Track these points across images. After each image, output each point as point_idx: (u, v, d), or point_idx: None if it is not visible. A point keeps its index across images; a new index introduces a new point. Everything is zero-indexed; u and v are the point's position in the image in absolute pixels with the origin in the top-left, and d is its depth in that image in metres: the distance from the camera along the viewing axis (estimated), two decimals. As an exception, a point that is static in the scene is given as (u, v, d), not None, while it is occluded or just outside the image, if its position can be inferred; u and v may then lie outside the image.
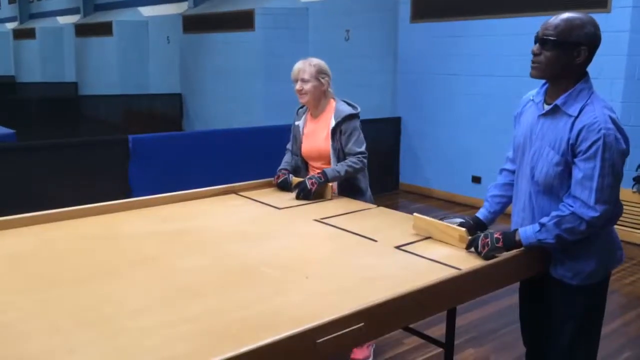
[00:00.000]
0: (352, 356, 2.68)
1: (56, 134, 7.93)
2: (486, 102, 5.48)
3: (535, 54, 1.78)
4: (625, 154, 1.70)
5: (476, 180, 5.59)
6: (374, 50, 6.99)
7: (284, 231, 2.17)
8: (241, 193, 2.69)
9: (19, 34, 16.58)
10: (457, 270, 1.72)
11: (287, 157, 2.91)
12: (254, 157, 4.85)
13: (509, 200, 2.01)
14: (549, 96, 1.82)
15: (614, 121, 1.69)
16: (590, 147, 1.67)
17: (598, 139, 1.65)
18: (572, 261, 1.79)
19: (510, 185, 2.00)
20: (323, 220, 2.25)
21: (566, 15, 1.76)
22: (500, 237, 1.79)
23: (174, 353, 1.24)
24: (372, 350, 2.75)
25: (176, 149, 4.70)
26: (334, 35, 7.54)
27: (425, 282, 1.57)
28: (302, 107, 2.83)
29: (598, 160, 1.66)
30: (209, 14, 9.22)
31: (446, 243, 1.95)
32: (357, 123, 2.68)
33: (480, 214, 2.06)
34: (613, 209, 1.69)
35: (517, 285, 2.01)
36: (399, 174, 6.31)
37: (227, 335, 1.33)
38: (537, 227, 1.75)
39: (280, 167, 2.85)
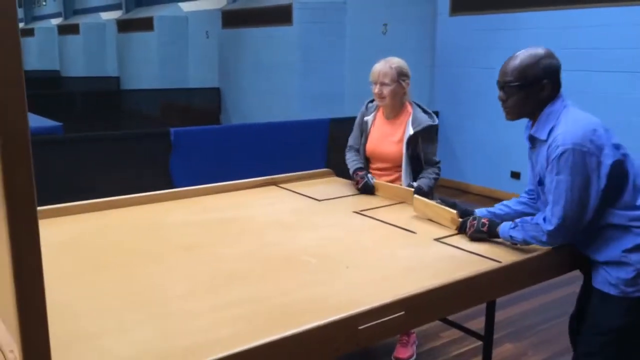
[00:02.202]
0: (396, 354, 2.68)
1: (99, 126, 8.16)
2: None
3: (502, 100, 1.83)
4: (597, 167, 1.65)
5: (515, 175, 5.52)
6: (411, 44, 6.94)
7: (324, 222, 2.20)
8: (281, 185, 2.73)
9: (63, 30, 17.06)
10: (496, 263, 1.72)
11: (354, 155, 2.74)
12: (291, 150, 4.91)
13: (515, 216, 2.00)
14: (531, 130, 1.86)
15: (584, 136, 1.66)
16: (552, 162, 1.69)
17: (557, 156, 1.67)
18: (608, 267, 1.74)
19: (524, 204, 2.03)
20: (362, 212, 2.27)
21: (518, 57, 1.80)
22: (487, 222, 1.90)
23: (220, 335, 1.29)
24: (415, 349, 2.74)
25: (216, 141, 4.79)
26: (372, 29, 7.52)
27: (464, 274, 1.58)
28: (372, 101, 2.71)
29: (556, 175, 1.68)
30: (248, 9, 9.31)
31: (441, 224, 2.08)
32: (435, 134, 2.63)
33: (480, 210, 2.08)
34: (570, 225, 1.68)
35: (556, 280, 2.00)
36: (435, 169, 6.26)
37: (270, 319, 1.37)
38: (513, 224, 1.83)
39: (355, 166, 2.67)
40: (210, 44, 10.64)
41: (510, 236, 1.82)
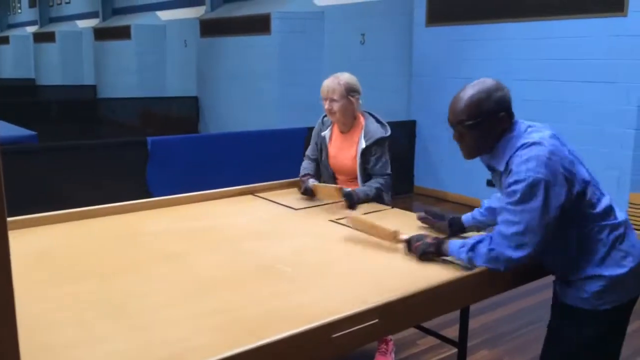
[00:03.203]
0: None
1: (76, 135, 8.07)
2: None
3: (458, 141, 1.76)
4: (553, 193, 1.60)
5: (491, 184, 5.59)
6: (389, 54, 7.02)
7: (300, 231, 2.21)
8: (258, 194, 2.74)
9: (39, 38, 16.86)
10: (469, 270, 1.75)
11: (307, 163, 2.82)
12: (268, 159, 4.92)
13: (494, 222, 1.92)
14: (488, 159, 1.79)
15: (538, 164, 1.60)
16: (509, 193, 1.64)
17: (514, 188, 1.62)
18: (581, 282, 1.71)
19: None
20: (338, 221, 2.29)
21: (467, 93, 1.72)
22: (433, 242, 1.82)
23: (197, 344, 1.29)
24: (393, 356, 2.76)
25: (193, 150, 4.78)
26: (350, 39, 7.59)
27: (437, 281, 1.60)
28: (327, 116, 2.77)
29: (513, 205, 1.63)
30: (226, 18, 9.33)
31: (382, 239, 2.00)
32: (386, 145, 2.66)
33: (466, 216, 2.09)
34: (534, 253, 1.63)
35: (531, 287, 2.03)
36: (413, 177, 6.33)
37: (245, 329, 1.37)
38: (461, 244, 1.75)
39: (302, 173, 2.76)
40: (188, 53, 10.61)
41: (460, 258, 1.75)
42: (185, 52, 10.88)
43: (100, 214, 2.32)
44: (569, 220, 1.67)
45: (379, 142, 2.62)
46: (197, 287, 1.63)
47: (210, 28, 9.66)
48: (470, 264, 1.72)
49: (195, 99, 10.16)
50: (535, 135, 1.69)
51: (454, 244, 1.79)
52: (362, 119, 2.70)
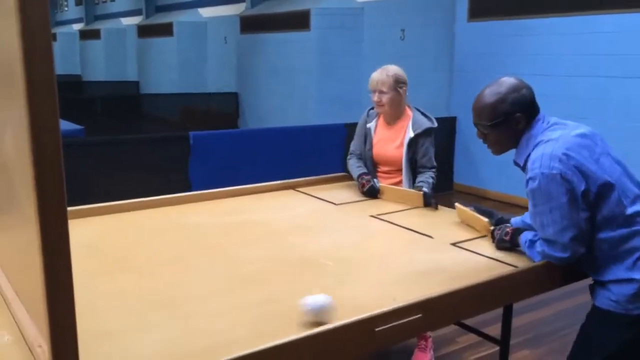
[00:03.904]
0: (414, 359, 2.69)
1: (119, 130, 8.27)
2: (544, 102, 5.28)
3: (482, 139, 1.83)
4: (572, 189, 1.61)
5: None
6: (429, 49, 6.95)
7: (341, 226, 2.22)
8: (299, 189, 2.76)
9: (85, 35, 17.34)
10: (513, 268, 1.72)
11: (357, 161, 2.79)
12: (308, 154, 4.94)
13: None
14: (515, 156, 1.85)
15: (552, 159, 1.63)
16: (528, 194, 1.69)
17: (530, 186, 1.67)
18: (612, 285, 1.67)
19: None
20: (379, 217, 2.29)
21: (485, 97, 1.77)
22: (510, 231, 1.88)
23: (239, 335, 1.31)
24: (432, 353, 2.75)
25: (234, 145, 4.84)
26: (389, 35, 7.54)
27: (481, 278, 1.59)
28: (372, 108, 2.79)
29: (534, 207, 1.68)
30: (266, 15, 9.39)
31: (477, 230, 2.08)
32: (433, 137, 2.68)
33: (516, 220, 2.05)
34: (577, 247, 1.65)
35: (574, 287, 1.99)
36: (453, 174, 6.26)
37: (288, 320, 1.39)
38: (529, 237, 1.80)
39: (360, 172, 2.70)
40: (228, 49, 10.74)
41: (524, 251, 1.82)
42: (225, 49, 11.02)
43: (145, 207, 2.37)
44: (595, 223, 1.65)
45: (427, 132, 2.64)
46: (239, 279, 1.66)
47: (250, 24, 9.75)
48: (532, 259, 1.76)
49: (235, 95, 10.28)
50: (554, 134, 1.72)
51: (525, 236, 1.82)
52: (409, 110, 2.73)
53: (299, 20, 8.42)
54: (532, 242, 1.77)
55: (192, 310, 1.45)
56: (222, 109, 10.28)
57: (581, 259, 1.72)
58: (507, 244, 1.87)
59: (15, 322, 1.26)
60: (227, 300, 1.51)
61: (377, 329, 1.33)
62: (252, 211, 2.41)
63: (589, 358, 1.73)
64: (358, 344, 1.35)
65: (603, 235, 1.66)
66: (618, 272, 1.65)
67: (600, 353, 1.69)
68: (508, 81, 1.78)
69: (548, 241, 1.68)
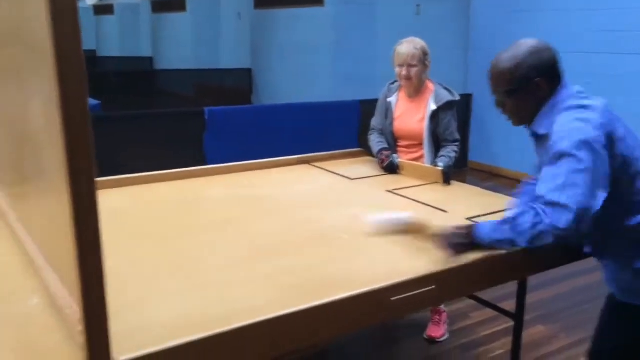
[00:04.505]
0: (428, 333, 2.73)
1: (134, 105, 8.31)
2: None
3: (500, 108, 1.66)
4: (598, 155, 1.47)
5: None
6: (445, 26, 6.86)
7: (356, 200, 2.25)
8: (314, 164, 2.78)
9: (99, 10, 17.31)
10: (528, 242, 1.74)
11: (378, 137, 2.77)
12: (322, 131, 4.95)
13: None
14: (532, 125, 1.68)
15: (580, 127, 1.49)
16: (550, 157, 1.52)
17: (555, 150, 1.50)
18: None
19: None
20: (395, 191, 2.31)
21: (500, 62, 1.62)
22: (463, 231, 1.61)
23: (255, 304, 1.35)
24: (447, 327, 2.79)
25: (249, 121, 4.86)
26: (404, 10, 7.45)
27: (495, 252, 1.61)
28: (393, 83, 2.79)
29: (555, 167, 1.49)
30: (280, -10, 9.31)
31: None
32: (456, 110, 2.68)
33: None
34: (584, 215, 1.45)
35: (588, 265, 2.00)
36: (467, 151, 6.24)
37: (304, 290, 1.42)
38: (493, 224, 1.58)
39: (379, 146, 2.70)
40: (242, 25, 10.68)
41: (496, 240, 1.54)
42: (239, 24, 10.96)
43: (160, 180, 2.42)
44: (614, 207, 1.52)
45: (450, 105, 2.64)
46: (255, 251, 1.69)
47: (263, 0, 9.68)
48: (511, 246, 1.53)
49: (249, 71, 10.25)
50: (585, 101, 1.57)
51: (487, 223, 1.58)
52: (430, 84, 2.72)
53: (312, -5, 8.34)
54: (507, 220, 1.53)
55: (209, 278, 1.49)
56: (236, 85, 10.27)
57: (597, 246, 1.66)
58: (463, 238, 1.56)
59: (44, 286, 1.31)
60: (243, 271, 1.55)
61: (392, 299, 1.36)
62: (267, 185, 2.44)
63: (610, 351, 1.68)
64: (373, 313, 1.38)
65: (620, 220, 1.54)
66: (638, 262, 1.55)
67: (621, 346, 1.63)
68: (527, 43, 1.61)
69: (557, 205, 1.44)
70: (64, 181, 0.97)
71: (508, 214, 1.59)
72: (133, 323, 1.21)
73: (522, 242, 1.50)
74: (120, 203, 2.14)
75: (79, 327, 1.02)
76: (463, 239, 1.56)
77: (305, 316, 1.27)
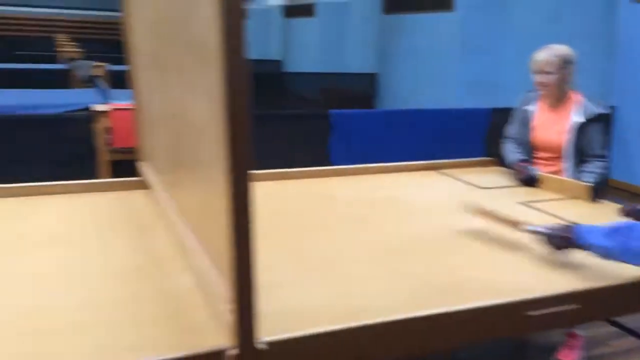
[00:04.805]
0: (559, 356, 2.58)
1: (264, 106, 8.70)
2: None
3: None
4: None
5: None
6: (585, 32, 6.43)
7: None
8: (440, 170, 2.74)
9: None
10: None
11: (514, 147, 2.67)
12: (447, 138, 4.86)
13: None
14: None
15: None
16: None
17: None
18: None
19: None
20: (529, 204, 2.21)
21: None
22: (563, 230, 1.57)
23: (391, 301, 1.36)
24: (582, 354, 2.61)
25: (374, 125, 4.90)
26: (539, 15, 7.10)
27: (646, 275, 1.49)
28: (532, 91, 2.68)
29: None
30: (409, -5, 9.28)
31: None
32: (604, 125, 2.52)
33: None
34: None
35: None
36: (609, 169, 5.79)
37: (436, 294, 1.41)
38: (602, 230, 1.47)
39: (517, 158, 2.59)
40: (369, 30, 10.78)
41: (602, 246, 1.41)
42: (366, 29, 11.08)
43: (293, 177, 2.51)
44: None
45: (598, 118, 2.48)
46: (390, 251, 1.71)
47: (392, 5, 9.71)
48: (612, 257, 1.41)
49: (373, 75, 10.32)
50: None
51: (592, 227, 1.48)
52: (574, 94, 2.58)
53: (442, 0, 8.22)
54: (619, 229, 1.38)
55: (346, 272, 1.54)
56: (360, 89, 10.39)
57: None
58: (562, 237, 1.51)
59: (194, 266, 1.43)
60: (380, 268, 1.57)
61: (529, 313, 1.31)
62: (395, 188, 2.45)
63: None
64: (506, 326, 1.34)
65: None
66: None
67: None
68: None
69: None
70: (221, 171, 1.05)
71: (621, 223, 1.48)
72: (277, 307, 1.28)
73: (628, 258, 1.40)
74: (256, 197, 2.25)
75: (228, 306, 1.09)
76: (561, 237, 1.54)
77: (443, 320, 1.26)
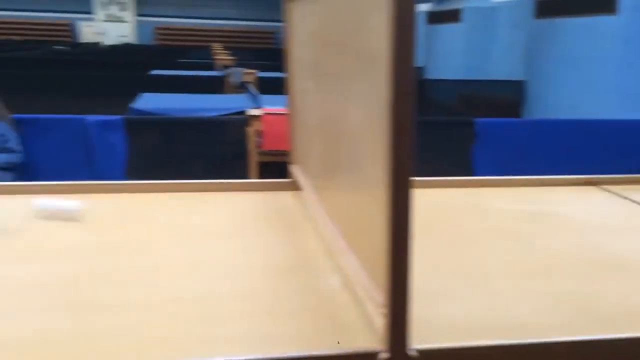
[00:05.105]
0: None
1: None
2: None
3: None
4: None
5: None
6: None
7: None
8: (602, 186, 2.54)
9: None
10: None
11: None
12: (606, 151, 4.50)
13: None
14: None
15: None
16: None
17: None
18: None
19: None
20: None
21: None
22: None
23: (549, 322, 1.29)
24: None
25: (523, 135, 4.69)
26: None
27: None
28: None
29: None
30: (566, -3, 8.72)
31: None
32: None
33: None
34: None
35: None
36: None
37: (596, 316, 1.32)
38: None
39: None
40: (517, 35, 10.31)
41: None
42: (515, 34, 10.61)
43: (428, 186, 2.48)
44: None
45: None
46: (539, 268, 1.62)
47: (545, 9, 9.18)
48: None
49: (521, 83, 9.86)
50: None
51: None
52: None
53: (602, 3, 7.61)
54: None
55: (498, 287, 1.49)
56: (506, 96, 9.97)
57: None
58: None
59: (342, 267, 1.47)
60: (530, 286, 1.50)
61: None
62: (548, 203, 2.31)
63: None
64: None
65: None
66: None
67: None
68: None
69: None
70: (381, 177, 1.08)
71: None
72: (428, 315, 1.27)
73: None
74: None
75: (380, 310, 1.12)
76: None
77: (598, 347, 1.18)
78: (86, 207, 1.97)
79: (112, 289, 1.41)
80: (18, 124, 4.70)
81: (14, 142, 4.53)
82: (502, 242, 1.83)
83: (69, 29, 26.00)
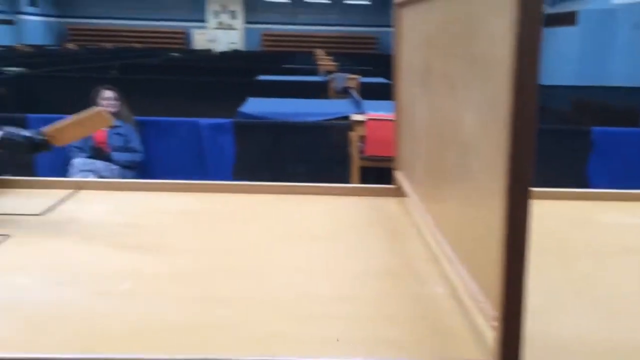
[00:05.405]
0: None
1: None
2: None
3: None
4: None
5: None
6: None
7: None
8: None
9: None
10: None
11: None
12: None
13: None
14: None
15: None
16: None
17: None
18: None
19: None
20: None
21: None
22: None
23: None
24: None
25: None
26: None
27: None
28: None
29: None
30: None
31: None
32: None
33: None
34: None
35: None
36: None
37: None
38: None
39: None
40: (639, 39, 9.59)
41: None
42: (636, 37, 9.88)
43: (547, 197, 2.36)
44: None
45: None
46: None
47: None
48: None
49: (641, 90, 9.16)
50: None
51: None
52: None
53: None
54: None
55: (616, 305, 1.41)
56: (625, 103, 9.29)
57: None
58: None
59: (447, 276, 1.45)
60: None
61: None
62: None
63: None
64: None
65: None
66: None
67: None
68: None
69: None
70: (498, 185, 1.05)
71: None
72: (540, 331, 1.23)
73: None
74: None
75: (490, 322, 1.09)
76: None
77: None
78: (200, 205, 2.09)
79: (231, 282, 1.49)
80: (140, 125, 5.06)
81: (136, 143, 4.89)
82: (620, 259, 1.72)
83: (184, 37, 27.65)
